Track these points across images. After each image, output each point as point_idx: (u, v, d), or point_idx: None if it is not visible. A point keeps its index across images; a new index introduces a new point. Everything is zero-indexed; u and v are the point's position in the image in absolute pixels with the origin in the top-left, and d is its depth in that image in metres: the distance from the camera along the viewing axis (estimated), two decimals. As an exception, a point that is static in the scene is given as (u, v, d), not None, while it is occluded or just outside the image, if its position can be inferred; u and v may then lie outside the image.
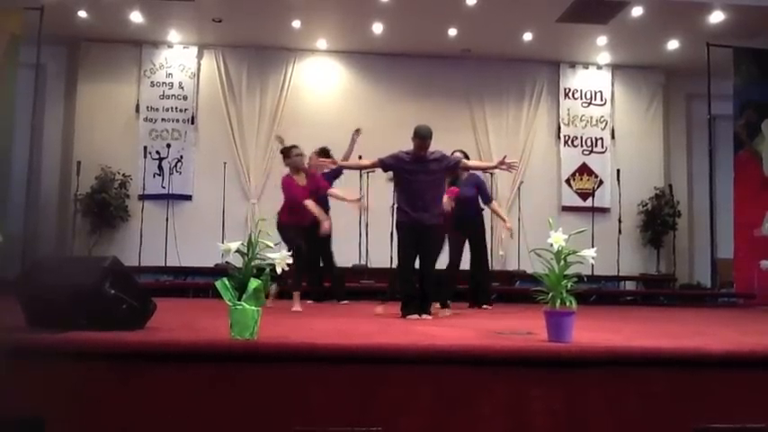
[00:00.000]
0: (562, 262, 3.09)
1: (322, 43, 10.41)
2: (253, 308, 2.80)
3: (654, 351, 3.01)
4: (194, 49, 10.45)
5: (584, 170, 10.65)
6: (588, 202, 10.46)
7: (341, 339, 3.06)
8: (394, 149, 9.96)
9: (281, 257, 2.92)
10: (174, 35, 10.22)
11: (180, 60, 10.39)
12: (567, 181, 10.59)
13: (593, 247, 3.21)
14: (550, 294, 3.08)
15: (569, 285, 3.08)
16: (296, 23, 9.56)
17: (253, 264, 2.88)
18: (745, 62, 9.41)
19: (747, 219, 9.13)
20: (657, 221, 10.38)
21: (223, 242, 3.03)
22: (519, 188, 10.44)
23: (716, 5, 8.70)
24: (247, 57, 10.47)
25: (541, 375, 2.81)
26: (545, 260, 3.16)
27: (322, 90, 10.67)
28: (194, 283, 8.61)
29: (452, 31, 9.64)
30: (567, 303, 3.06)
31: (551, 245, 3.13)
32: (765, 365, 3.07)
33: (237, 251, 2.92)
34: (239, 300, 2.82)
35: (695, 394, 2.92)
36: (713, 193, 10.13)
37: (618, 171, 10.36)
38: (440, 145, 10.09)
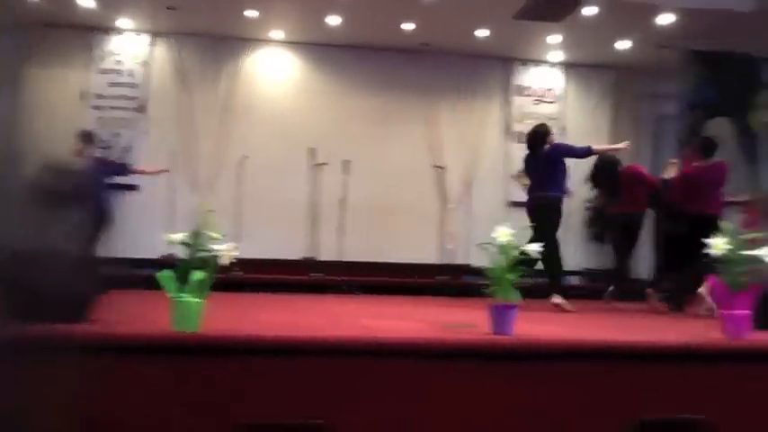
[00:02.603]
0: (507, 256, 3.15)
1: (278, 34, 10.32)
2: (196, 300, 2.78)
3: (590, 344, 3.09)
4: (146, 37, 10.25)
5: (532, 167, 10.79)
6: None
7: (287, 332, 3.05)
8: (350, 141, 10.05)
9: (227, 249, 2.89)
10: (125, 22, 10.01)
11: (131, 48, 10.19)
12: (516, 177, 10.66)
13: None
14: (494, 287, 3.14)
15: (514, 279, 3.14)
16: (251, 13, 9.45)
17: (197, 255, 2.86)
18: (692, 64, 9.63)
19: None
20: (599, 217, 10.55)
21: (170, 234, 2.99)
22: (470, 183, 10.52)
23: (665, 8, 8.89)
24: (201, 46, 10.31)
25: (484, 368, 2.86)
26: (491, 254, 3.21)
27: (277, 81, 10.58)
28: (141, 276, 8.44)
29: (410, 25, 9.65)
30: (511, 297, 3.12)
31: (497, 239, 3.18)
32: (700, 359, 3.17)
33: (182, 242, 2.89)
34: (182, 291, 2.79)
35: (631, 386, 3.00)
36: (659, 191, 10.38)
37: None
38: (394, 138, 10.23)
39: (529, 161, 6.46)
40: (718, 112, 9.59)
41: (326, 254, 9.31)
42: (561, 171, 6.23)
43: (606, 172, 6.73)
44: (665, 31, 9.30)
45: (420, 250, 9.85)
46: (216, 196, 9.75)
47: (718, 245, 3.43)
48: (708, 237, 3.48)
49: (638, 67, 10.36)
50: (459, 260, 9.95)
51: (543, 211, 6.12)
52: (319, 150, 9.47)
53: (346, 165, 9.44)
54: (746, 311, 3.40)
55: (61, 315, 2.91)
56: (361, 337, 2.95)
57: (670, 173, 6.73)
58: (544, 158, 6.23)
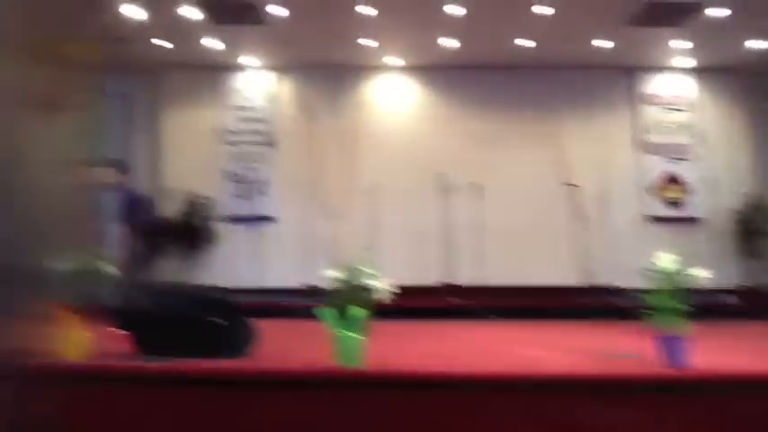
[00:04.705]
0: (671, 282, 2.98)
1: (394, 59, 10.40)
2: (358, 337, 2.81)
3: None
4: (271, 73, 10.61)
5: (669, 179, 10.29)
6: (675, 212, 10.12)
7: (445, 365, 3.02)
8: (475, 164, 9.86)
9: (384, 286, 2.91)
10: (250, 59, 10.41)
11: (258, 83, 10.59)
12: (653, 190, 10.24)
13: (682, 257, 3.04)
14: (658, 314, 2.97)
15: (680, 306, 2.96)
16: (367, 41, 9.57)
17: (355, 291, 2.89)
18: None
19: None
20: (752, 230, 9.89)
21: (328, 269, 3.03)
22: (603, 199, 10.11)
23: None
24: (321, 77, 10.55)
25: (659, 401, 2.71)
26: (651, 279, 3.05)
27: (395, 107, 10.65)
28: (279, 305, 8.66)
29: (523, 41, 9.47)
30: (680, 325, 2.94)
31: (658, 263, 3.02)
32: None
33: (340, 278, 2.93)
34: (342, 327, 2.83)
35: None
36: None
37: (707, 178, 10.01)
38: (518, 158, 10.01)
39: None
40: None
41: (463, 279, 9.19)
42: None
43: None
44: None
45: (557, 272, 9.55)
46: (346, 225, 9.90)
47: None
48: None
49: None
50: (601, 281, 9.54)
51: None
52: (447, 175, 9.47)
53: (477, 188, 9.41)
54: None
55: (224, 350, 3.03)
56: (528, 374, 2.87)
57: None
58: None
